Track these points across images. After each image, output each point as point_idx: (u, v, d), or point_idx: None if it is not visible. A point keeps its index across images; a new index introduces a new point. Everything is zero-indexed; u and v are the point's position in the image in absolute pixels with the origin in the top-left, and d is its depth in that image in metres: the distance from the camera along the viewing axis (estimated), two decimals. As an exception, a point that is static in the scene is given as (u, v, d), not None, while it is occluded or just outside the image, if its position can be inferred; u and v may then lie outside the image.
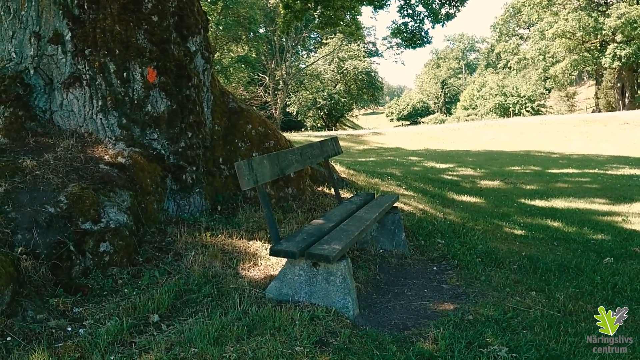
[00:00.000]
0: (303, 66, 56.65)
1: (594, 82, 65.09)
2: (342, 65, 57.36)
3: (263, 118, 6.55)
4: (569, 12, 48.81)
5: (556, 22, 48.64)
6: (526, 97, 58.82)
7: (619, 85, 54.53)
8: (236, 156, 5.99)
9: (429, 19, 14.78)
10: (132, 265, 4.15)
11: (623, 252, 5.80)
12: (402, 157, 15.37)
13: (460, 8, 14.39)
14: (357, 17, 20.00)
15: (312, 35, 58.39)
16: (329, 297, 3.78)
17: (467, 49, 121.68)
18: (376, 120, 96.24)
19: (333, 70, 57.17)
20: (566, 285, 4.77)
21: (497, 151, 18.40)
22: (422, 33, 15.04)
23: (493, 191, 9.34)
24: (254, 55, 46.32)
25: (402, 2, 14.60)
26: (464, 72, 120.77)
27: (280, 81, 48.86)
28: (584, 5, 50.81)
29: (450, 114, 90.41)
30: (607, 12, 47.94)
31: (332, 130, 52.49)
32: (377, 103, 77.58)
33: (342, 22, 16.35)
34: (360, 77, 58.91)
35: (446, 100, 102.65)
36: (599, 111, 55.22)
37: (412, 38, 15.04)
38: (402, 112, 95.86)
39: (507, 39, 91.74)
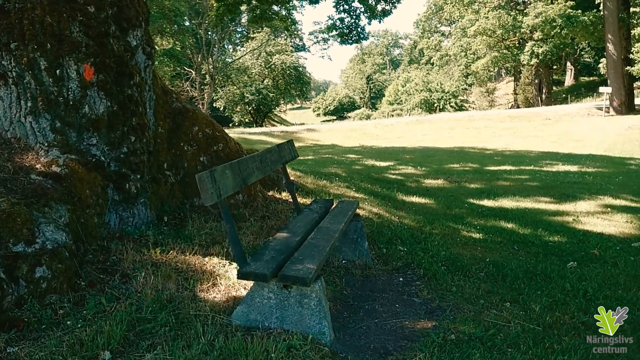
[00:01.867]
0: (230, 60, 55.65)
1: (513, 78, 67.52)
2: (270, 60, 56.72)
3: (210, 119, 6.07)
4: (489, 11, 50.24)
5: (477, 20, 49.97)
6: (450, 92, 60.24)
7: (536, 81, 56.75)
8: (182, 161, 5.51)
9: (365, 15, 14.62)
10: (73, 292, 3.62)
11: (583, 255, 5.73)
12: (340, 155, 15.12)
13: (396, 5, 14.30)
14: (292, 11, 19.60)
15: (238, 29, 57.53)
16: (303, 322, 3.41)
17: (391, 45, 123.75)
18: (303, 115, 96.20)
19: (261, 65, 56.44)
20: (538, 294, 4.61)
21: (432, 148, 18.49)
22: (359, 29, 14.86)
23: (440, 191, 9.21)
24: (179, 48, 45.06)
25: (339, -3, 14.37)
26: (388, 67, 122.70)
27: (207, 75, 47.78)
28: (503, 4, 52.46)
29: (376, 109, 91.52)
30: (525, 11, 49.70)
31: (261, 126, 51.88)
32: (305, 98, 77.40)
33: (276, 17, 15.91)
34: (288, 72, 58.48)
35: (371, 95, 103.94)
36: (518, 107, 57.30)
37: (348, 34, 14.83)
38: (329, 107, 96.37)
39: (430, 35, 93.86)
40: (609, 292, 4.67)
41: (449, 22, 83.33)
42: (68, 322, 3.32)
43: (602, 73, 58.44)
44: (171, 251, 4.35)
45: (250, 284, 3.95)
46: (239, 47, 62.54)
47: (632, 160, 15.00)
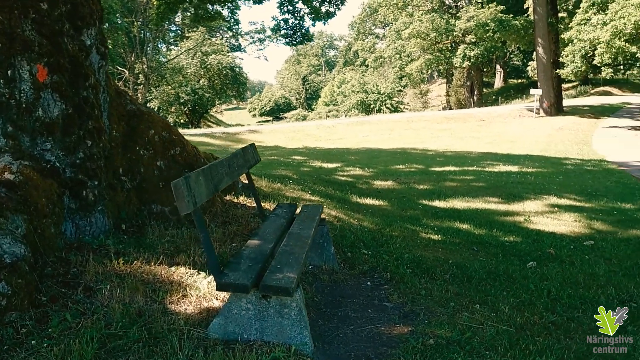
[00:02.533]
0: (165, 60, 54.45)
1: (445, 80, 69.17)
2: (206, 60, 55.88)
3: (167, 122, 5.85)
4: (422, 14, 51.22)
5: (411, 23, 50.80)
6: (385, 94, 61.07)
7: (468, 83, 58.36)
8: (138, 166, 5.28)
9: (310, 16, 14.57)
10: (34, 308, 3.37)
11: (540, 255, 5.86)
12: (285, 157, 15.01)
13: (340, 7, 14.33)
14: (236, 11, 19.22)
15: (172, 28, 56.36)
16: (283, 333, 3.30)
17: (326, 46, 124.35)
18: (239, 115, 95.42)
19: (196, 65, 55.51)
20: (504, 294, 4.68)
21: (375, 149, 18.64)
22: (303, 30, 14.80)
23: (391, 192, 9.26)
24: (111, 47, 43.64)
25: (283, -2, 14.26)
26: (323, 68, 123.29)
27: (141, 75, 46.57)
28: (436, 7, 53.65)
29: (312, 109, 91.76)
30: (457, 15, 50.97)
31: (197, 127, 51.03)
32: (241, 99, 76.72)
33: (219, 17, 15.63)
34: (224, 72, 57.80)
35: (307, 96, 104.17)
36: (450, 108, 58.74)
37: (292, 35, 14.75)
38: (265, 108, 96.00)
39: (364, 37, 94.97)
40: (571, 291, 4.78)
41: (383, 24, 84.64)
42: (32, 342, 3.08)
43: (530, 75, 60.73)
44: (135, 261, 4.14)
45: (223, 294, 3.83)
46: (173, 47, 61.33)
47: (568, 160, 15.60)
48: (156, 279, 3.99)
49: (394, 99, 63.34)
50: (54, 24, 4.30)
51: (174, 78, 53.06)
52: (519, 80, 67.74)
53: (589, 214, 7.90)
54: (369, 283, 4.84)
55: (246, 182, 7.56)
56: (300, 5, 14.43)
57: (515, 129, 27.02)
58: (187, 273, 4.14)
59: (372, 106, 59.55)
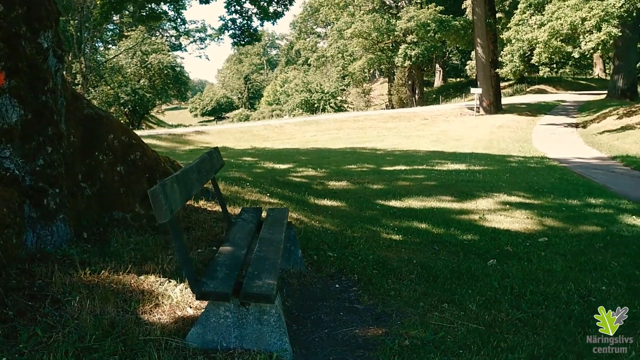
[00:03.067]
0: (103, 60, 52.99)
1: (387, 79, 70.13)
2: (146, 59, 54.72)
3: (125, 126, 5.71)
4: (364, 14, 51.75)
5: (353, 23, 51.23)
6: (329, 93, 61.38)
7: (410, 82, 59.33)
8: (98, 171, 5.13)
9: (258, 16, 14.49)
10: (2, 323, 3.24)
11: (499, 252, 6.01)
12: (235, 158, 14.86)
13: (288, 7, 14.31)
14: (182, 11, 18.91)
15: (110, 27, 54.91)
16: (263, 340, 3.29)
17: (268, 45, 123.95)
18: (179, 115, 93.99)
19: (136, 65, 54.28)
20: (469, 293, 4.77)
21: (325, 149, 18.71)
22: (251, 30, 14.70)
23: (346, 192, 9.31)
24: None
25: (230, -3, 14.12)
26: (265, 67, 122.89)
27: (79, 75, 45.16)
28: (377, 7, 54.29)
29: (255, 109, 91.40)
30: (398, 15, 51.74)
31: (138, 127, 49.93)
32: (183, 98, 75.54)
33: (165, 17, 15.34)
34: (165, 71, 56.80)
35: (250, 95, 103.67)
36: (392, 107, 59.59)
37: (240, 35, 14.63)
38: (207, 108, 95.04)
39: (306, 36, 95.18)
40: (533, 287, 4.93)
41: (324, 23, 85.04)
42: (3, 359, 2.97)
43: (468, 75, 62.36)
44: (102, 271, 4.02)
45: (197, 302, 3.78)
46: (111, 46, 59.80)
47: (511, 157, 16.08)
48: (126, 288, 3.89)
49: (338, 98, 63.76)
50: (11, 27, 4.13)
51: (113, 78, 51.77)
52: (458, 79, 69.48)
53: (540, 211, 8.16)
54: (337, 285, 4.86)
55: (205, 186, 7.47)
56: (248, 5, 14.37)
57: (458, 127, 27.66)
58: (157, 281, 4.05)
59: (316, 105, 59.76)
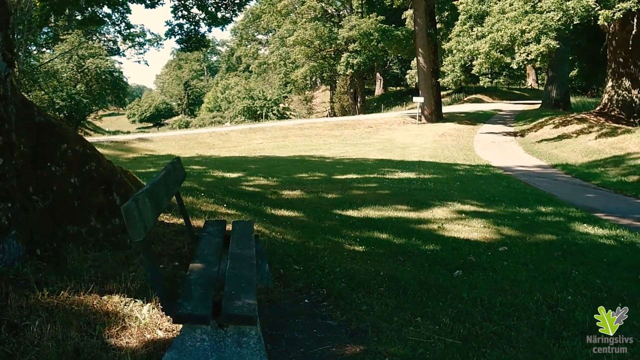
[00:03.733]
0: (38, 64, 50.93)
1: (329, 87, 70.50)
2: (83, 64, 52.99)
3: (79, 135, 5.39)
4: (306, 22, 51.85)
5: (295, 30, 51.27)
6: (272, 100, 61.12)
7: (352, 90, 59.82)
8: (51, 184, 4.81)
9: (205, 21, 14.21)
10: (-48, 354, 2.94)
11: (462, 263, 6.00)
12: (183, 167, 14.46)
13: (237, 12, 14.11)
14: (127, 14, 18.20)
15: (44, 30, 52.89)
16: (243, 364, 3.11)
17: (209, 51, 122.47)
18: (117, 121, 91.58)
19: (72, 69, 52.48)
20: (440, 305, 4.72)
21: (273, 157, 18.50)
22: (199, 36, 14.40)
23: (302, 202, 9.17)
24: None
25: (177, 2, 13.76)
26: (206, 74, 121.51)
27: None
28: (319, 15, 54.53)
29: (195, 115, 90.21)
30: (340, 24, 52.13)
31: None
32: (121, 104, 73.57)
33: (109, 20, 14.80)
34: (103, 76, 55.14)
35: (190, 101, 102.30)
36: (334, 115, 59.91)
37: (188, 40, 14.30)
38: (145, 114, 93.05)
39: (247, 43, 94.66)
40: (501, 298, 4.92)
41: (266, 30, 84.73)
42: (-42, 394, 2.68)
43: (408, 83, 63.43)
44: (62, 292, 3.74)
45: (166, 324, 3.56)
46: (46, 50, 57.65)
47: (457, 166, 16.34)
48: (89, 310, 3.63)
49: (280, 105, 63.56)
50: (-42, 28, 3.80)
51: (47, 83, 49.82)
52: (398, 88, 70.58)
53: (495, 220, 8.25)
54: (306, 300, 4.71)
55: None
56: (195, 10, 14.07)
57: (402, 136, 27.98)
58: (121, 302, 3.80)
59: (258, 112, 59.34)
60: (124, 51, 61.88)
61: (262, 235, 6.24)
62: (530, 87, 66.31)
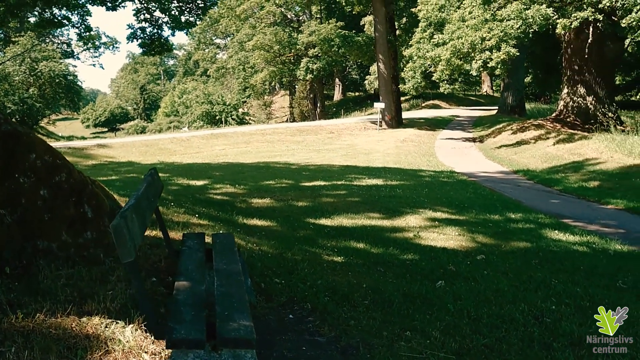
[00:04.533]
0: (-12, 67, 49.35)
1: (288, 92, 70.43)
2: (36, 67, 51.50)
3: (48, 144, 5.10)
4: (265, 27, 51.66)
5: (255, 35, 51.06)
6: (231, 105, 60.63)
7: (311, 96, 59.89)
8: (19, 196, 4.52)
9: (168, 25, 13.90)
10: None
11: (443, 273, 5.94)
12: (144, 174, 14.10)
13: (201, 16, 13.83)
14: (87, 17, 17.74)
15: (-6, 31, 51.15)
16: (238, 389, 2.95)
17: (165, 55, 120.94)
18: (70, 126, 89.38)
19: (25, 72, 50.95)
20: (427, 318, 4.64)
21: (237, 163, 18.24)
22: (162, 39, 14.07)
23: (273, 211, 9.00)
24: None
25: (140, 5, 13.42)
26: (162, 78, 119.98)
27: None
28: (279, 21, 54.43)
29: (152, 120, 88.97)
30: (300, 29, 52.15)
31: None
32: (75, 109, 71.73)
33: (68, 23, 14.37)
34: (57, 80, 53.71)
35: (146, 106, 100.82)
36: (294, 120, 59.87)
37: (150, 44, 13.95)
38: (100, 118, 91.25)
39: (205, 47, 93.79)
40: (487, 309, 4.87)
41: (224, 35, 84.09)
42: None
43: (367, 89, 63.84)
44: (37, 314, 3.49)
45: (152, 346, 3.36)
46: (-5, 53, 55.90)
47: (422, 172, 16.40)
48: (68, 334, 3.39)
49: (240, 110, 63.11)
50: None
51: (-2, 86, 48.31)
52: (357, 93, 71.03)
53: (469, 227, 8.25)
54: (291, 316, 4.57)
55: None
56: (158, 13, 13.73)
57: (364, 141, 28.04)
58: (102, 323, 3.57)
59: (217, 117, 58.73)
60: (78, 54, 60.51)
61: (238, 247, 6.06)
62: (485, 93, 67.61)
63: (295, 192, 11.12)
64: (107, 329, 3.52)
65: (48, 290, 3.94)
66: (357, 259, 6.29)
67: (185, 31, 13.78)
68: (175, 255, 4.48)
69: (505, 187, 13.98)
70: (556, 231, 8.29)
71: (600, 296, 5.33)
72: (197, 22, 13.64)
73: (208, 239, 5.19)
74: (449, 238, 7.54)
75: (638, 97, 48.48)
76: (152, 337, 3.33)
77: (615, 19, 21.28)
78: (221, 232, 6.64)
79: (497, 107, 42.01)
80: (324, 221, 8.40)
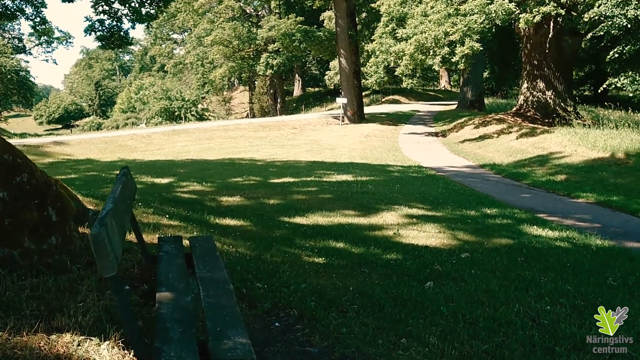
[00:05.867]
0: None
1: (247, 88, 69.70)
2: (-14, 63, 49.75)
3: (7, 142, 4.65)
4: (224, 21, 50.92)
5: (213, 30, 50.28)
6: (190, 101, 59.64)
7: (271, 91, 59.40)
8: (-25, 199, 4.09)
9: (128, 17, 13.33)
10: None
11: (430, 273, 5.72)
12: (106, 172, 13.50)
13: (162, 9, 13.32)
14: (42, 9, 16.91)
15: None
16: (235, 414, 2.63)
17: (121, 50, 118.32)
18: (23, 123, 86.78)
19: (-27, 68, 49.17)
20: (422, 323, 4.41)
21: (201, 160, 17.73)
22: (122, 33, 13.50)
23: (244, 210, 8.65)
24: None
25: (97, -4, 12.81)
26: (118, 73, 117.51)
27: None
28: (238, 15, 53.71)
29: (108, 116, 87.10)
30: (259, 24, 51.55)
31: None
32: (28, 106, 69.53)
33: (21, 15, 13.64)
34: (8, 76, 51.88)
35: (101, 102, 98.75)
36: (254, 115, 59.31)
37: (109, 37, 13.36)
38: (54, 115, 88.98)
39: (162, 42, 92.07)
40: (481, 312, 4.66)
41: (182, 30, 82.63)
42: None
43: (327, 84, 63.70)
44: (0, 332, 3.10)
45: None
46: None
47: (391, 167, 16.24)
48: (36, 354, 3.01)
49: (199, 106, 62.16)
50: None
51: (-56, 82, 46.39)
52: (317, 89, 70.85)
53: (448, 224, 8.06)
54: (277, 324, 4.26)
55: (91, 207, 6.53)
56: (117, 5, 13.14)
57: (327, 137, 27.80)
58: (74, 341, 3.19)
59: (176, 113, 57.66)
60: (30, 49, 58.52)
61: (220, 252, 5.72)
62: (443, 88, 68.21)
63: (265, 189, 10.78)
64: (79, 347, 3.15)
65: (11, 304, 3.55)
66: (339, 260, 6.02)
67: (146, 24, 13.21)
68: (151, 261, 4.13)
69: (475, 181, 13.91)
70: (534, 227, 8.17)
71: (593, 295, 5.20)
72: (159, 15, 13.13)
73: (187, 242, 4.85)
74: (430, 236, 7.33)
75: (592, 91, 49.68)
76: (131, 355, 3.00)
77: (575, 14, 21.52)
78: (195, 233, 6.29)
79: (456, 102, 42.32)
80: (299, 220, 8.10)
